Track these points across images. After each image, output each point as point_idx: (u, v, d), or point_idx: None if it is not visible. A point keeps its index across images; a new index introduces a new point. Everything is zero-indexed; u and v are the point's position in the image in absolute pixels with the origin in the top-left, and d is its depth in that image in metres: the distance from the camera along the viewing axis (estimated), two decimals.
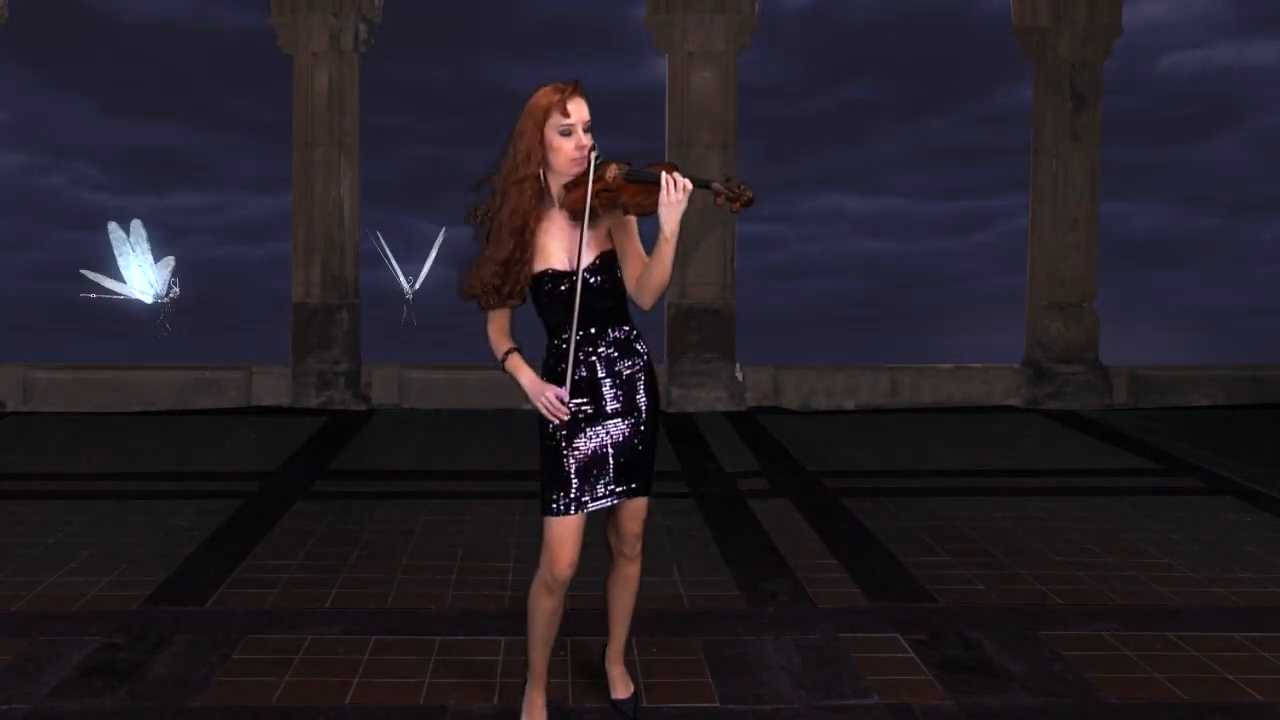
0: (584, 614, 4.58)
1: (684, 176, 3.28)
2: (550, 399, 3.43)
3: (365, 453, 9.10)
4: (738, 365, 11.30)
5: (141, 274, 8.87)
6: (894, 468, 8.52)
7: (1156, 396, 11.57)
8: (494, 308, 3.51)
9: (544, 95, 3.39)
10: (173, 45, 22.91)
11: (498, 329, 3.56)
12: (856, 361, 11.80)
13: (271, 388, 11.28)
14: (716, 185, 3.29)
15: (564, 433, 3.50)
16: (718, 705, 4.11)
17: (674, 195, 3.27)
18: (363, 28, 11.27)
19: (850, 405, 11.39)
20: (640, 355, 3.59)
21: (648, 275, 3.43)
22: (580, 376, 3.50)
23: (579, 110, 3.37)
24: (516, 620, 4.83)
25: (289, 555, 5.97)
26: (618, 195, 3.35)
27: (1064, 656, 4.55)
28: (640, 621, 4.39)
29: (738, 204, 3.27)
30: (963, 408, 11.34)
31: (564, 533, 3.51)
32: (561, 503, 3.51)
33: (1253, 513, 7.04)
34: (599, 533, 3.82)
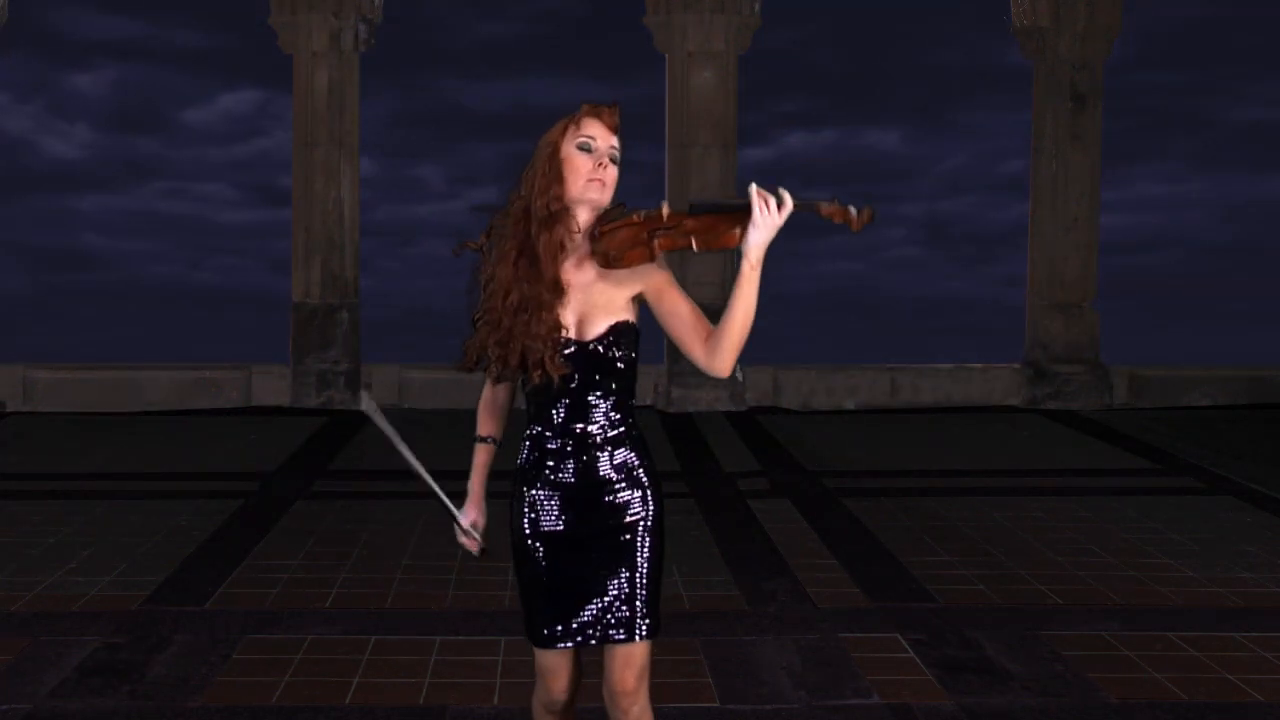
0: None
1: (770, 192, 2.61)
2: (464, 526, 2.91)
3: (365, 453, 9.10)
4: (738, 365, 11.28)
5: None
6: (894, 468, 8.52)
7: (1156, 396, 11.57)
8: (503, 379, 2.84)
9: (571, 112, 2.79)
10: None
11: (490, 400, 2.95)
12: (856, 361, 11.80)
13: (271, 388, 11.28)
14: (825, 206, 2.63)
15: (538, 545, 2.81)
16: (718, 705, 4.11)
17: (771, 216, 2.58)
18: (363, 28, 11.26)
19: (850, 405, 11.39)
20: (641, 463, 2.84)
21: (727, 323, 2.66)
22: (562, 477, 2.80)
23: (604, 131, 2.74)
24: (516, 620, 4.83)
25: (289, 555, 5.97)
26: (678, 230, 2.66)
27: (1064, 656, 4.55)
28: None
29: (858, 222, 2.63)
30: (963, 408, 11.33)
31: (552, 664, 2.90)
32: (540, 632, 2.84)
33: (1252, 513, 7.04)
34: None
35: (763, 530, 6.54)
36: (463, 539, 2.96)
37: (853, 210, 2.62)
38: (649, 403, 11.16)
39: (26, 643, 4.66)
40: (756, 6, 11.26)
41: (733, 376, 11.19)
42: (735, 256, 2.71)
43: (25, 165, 21.22)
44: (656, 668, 4.41)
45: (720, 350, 2.70)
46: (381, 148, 22.66)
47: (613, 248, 2.67)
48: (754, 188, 2.59)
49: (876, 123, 23.29)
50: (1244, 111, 22.61)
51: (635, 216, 2.68)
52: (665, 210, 2.66)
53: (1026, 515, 6.87)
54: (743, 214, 2.61)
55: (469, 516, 2.95)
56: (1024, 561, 5.89)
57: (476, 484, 2.97)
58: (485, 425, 2.95)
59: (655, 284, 2.75)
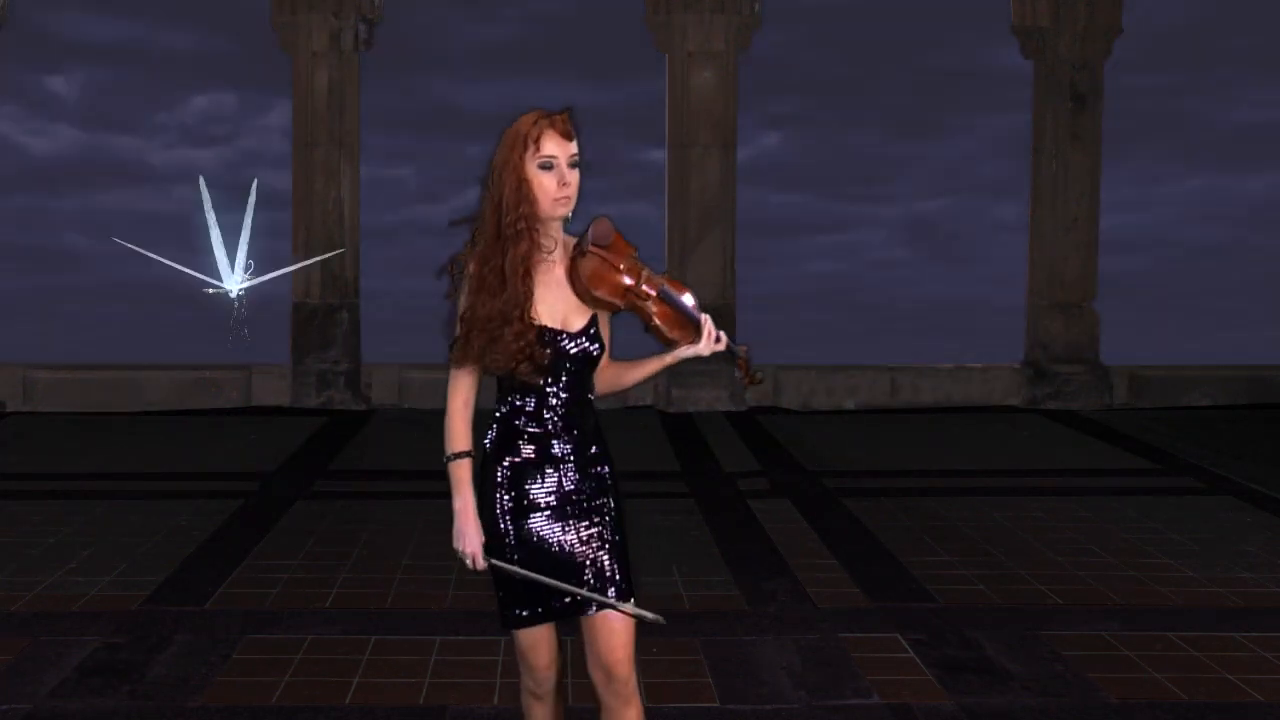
0: None
1: (716, 329, 3.01)
2: (471, 553, 2.89)
3: (365, 453, 9.11)
4: None
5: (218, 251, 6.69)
6: (894, 468, 8.52)
7: (1156, 396, 11.56)
8: (490, 372, 2.94)
9: (524, 121, 2.86)
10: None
11: (463, 409, 2.99)
12: (856, 361, 11.80)
13: (271, 388, 11.27)
14: (741, 356, 3.06)
15: (509, 526, 2.92)
16: (718, 705, 4.11)
17: (709, 346, 2.96)
18: (363, 28, 11.26)
19: (850, 405, 11.39)
20: (605, 450, 3.02)
21: (623, 375, 3.05)
22: (532, 459, 2.94)
23: (561, 144, 2.85)
24: None
25: (289, 555, 5.97)
26: (646, 304, 2.94)
27: (1064, 656, 4.55)
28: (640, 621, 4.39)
29: (749, 380, 3.10)
30: (963, 408, 11.33)
31: (533, 641, 2.97)
32: (518, 613, 2.93)
33: (1252, 513, 7.04)
34: None
35: (763, 530, 6.54)
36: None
37: (750, 367, 3.07)
38: (649, 402, 11.16)
39: (26, 643, 4.66)
40: (756, 6, 11.26)
41: (733, 376, 11.20)
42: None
43: (9, 166, 21.25)
44: (656, 667, 4.43)
45: (604, 387, 3.06)
46: (381, 148, 22.68)
47: (596, 293, 2.92)
48: (709, 321, 2.97)
49: (873, 122, 23.31)
50: (1244, 112, 22.63)
51: (621, 264, 2.92)
52: (644, 274, 2.94)
53: (1026, 515, 6.87)
54: (691, 324, 2.98)
55: (474, 541, 2.89)
56: (1024, 561, 5.90)
57: (470, 502, 2.92)
58: (463, 439, 2.97)
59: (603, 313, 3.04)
